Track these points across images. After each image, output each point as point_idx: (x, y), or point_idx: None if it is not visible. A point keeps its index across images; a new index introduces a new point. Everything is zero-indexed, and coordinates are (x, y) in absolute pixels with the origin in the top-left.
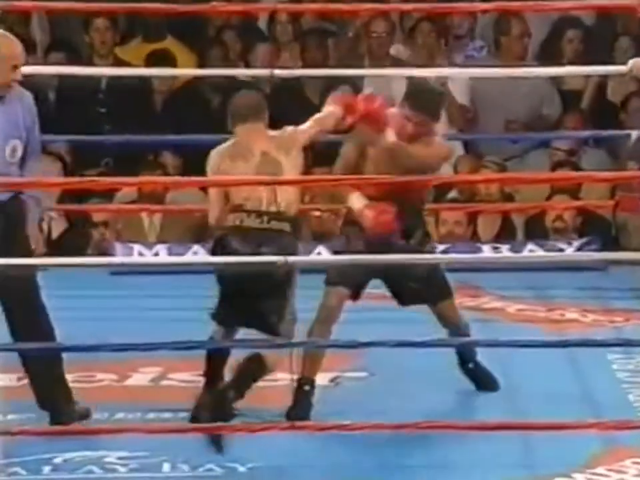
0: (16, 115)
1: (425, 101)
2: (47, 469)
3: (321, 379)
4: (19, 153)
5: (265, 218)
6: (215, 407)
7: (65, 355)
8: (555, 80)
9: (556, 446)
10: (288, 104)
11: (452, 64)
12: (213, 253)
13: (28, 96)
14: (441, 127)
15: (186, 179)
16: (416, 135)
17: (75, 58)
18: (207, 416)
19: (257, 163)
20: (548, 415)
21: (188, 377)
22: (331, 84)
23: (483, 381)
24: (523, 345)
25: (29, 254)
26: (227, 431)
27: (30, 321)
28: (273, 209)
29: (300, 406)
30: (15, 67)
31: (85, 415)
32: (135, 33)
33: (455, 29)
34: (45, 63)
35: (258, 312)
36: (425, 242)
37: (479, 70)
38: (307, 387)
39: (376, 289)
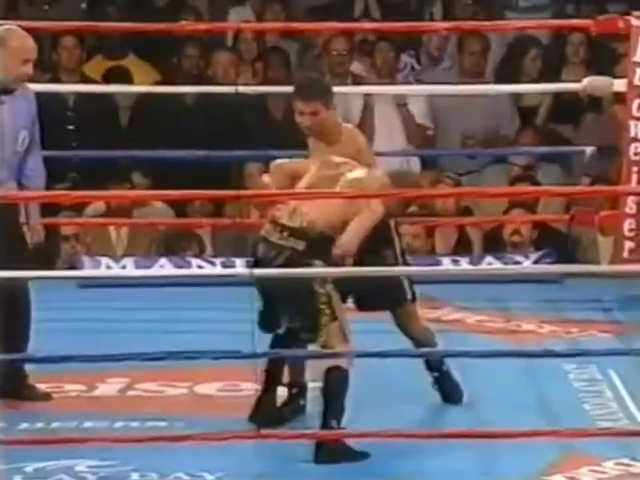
0: (25, 107)
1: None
2: (17, 478)
3: (284, 389)
4: (26, 143)
5: (285, 233)
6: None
7: (34, 366)
8: (513, 97)
9: (515, 454)
10: (251, 120)
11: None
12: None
13: (31, 90)
14: (400, 144)
15: (154, 192)
16: (317, 126)
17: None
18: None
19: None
20: (507, 423)
21: (155, 387)
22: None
23: (448, 392)
24: (481, 355)
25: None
26: (194, 440)
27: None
28: (295, 224)
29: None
30: (26, 61)
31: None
32: (99, 50)
33: (431, 50)
34: None
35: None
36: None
37: (437, 87)
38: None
39: None
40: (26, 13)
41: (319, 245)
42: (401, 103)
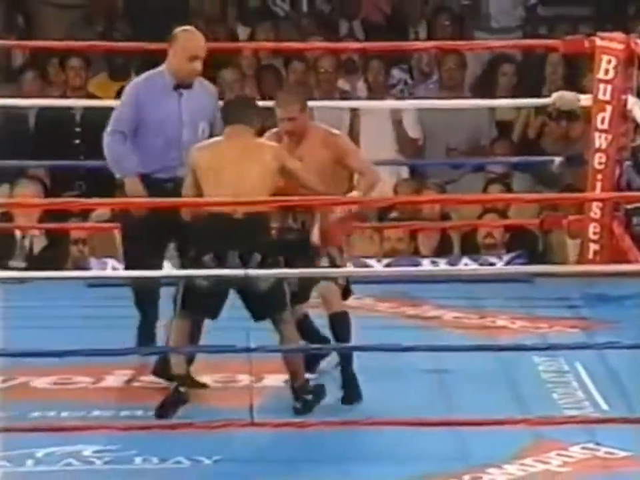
0: (203, 101)
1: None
2: (29, 462)
3: (276, 380)
4: (206, 133)
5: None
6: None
7: (44, 359)
8: (491, 111)
9: (488, 440)
10: None
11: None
12: None
13: (212, 87)
14: (390, 156)
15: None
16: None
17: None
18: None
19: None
20: (481, 412)
21: (157, 379)
22: None
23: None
24: (458, 349)
25: None
26: (194, 427)
27: None
28: None
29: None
30: (193, 58)
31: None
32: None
33: (422, 66)
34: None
35: None
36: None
37: (424, 101)
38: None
39: None
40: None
41: None
42: (397, 119)
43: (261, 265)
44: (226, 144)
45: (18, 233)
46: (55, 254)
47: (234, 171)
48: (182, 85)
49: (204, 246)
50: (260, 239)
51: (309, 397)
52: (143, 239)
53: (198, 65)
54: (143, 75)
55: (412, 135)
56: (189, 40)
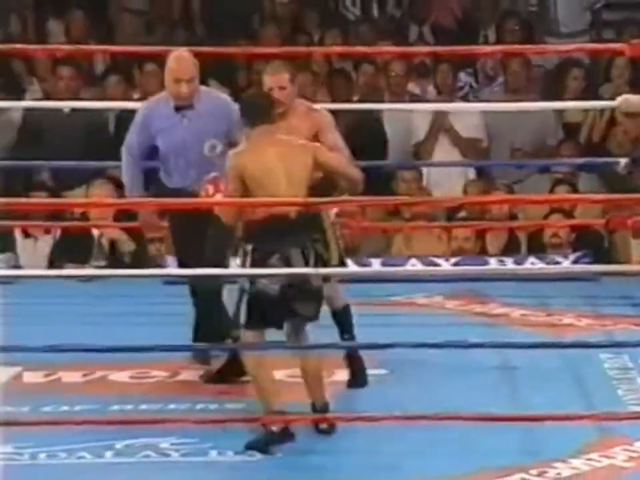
0: (208, 117)
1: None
2: (109, 453)
3: (345, 375)
4: (218, 149)
5: None
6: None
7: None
8: (557, 113)
9: (554, 435)
10: None
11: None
12: None
13: (222, 100)
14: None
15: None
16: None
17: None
18: None
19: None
20: (547, 407)
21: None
22: (356, 117)
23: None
24: (525, 346)
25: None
26: (261, 421)
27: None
28: None
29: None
30: (179, 80)
31: None
32: None
33: (487, 70)
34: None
35: None
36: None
37: (489, 105)
38: None
39: (396, 296)
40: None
41: None
42: (446, 127)
43: (316, 262)
44: (265, 146)
45: (95, 233)
46: (134, 252)
47: (281, 172)
48: (180, 107)
49: (268, 248)
50: (314, 235)
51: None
52: (187, 240)
53: (184, 87)
54: (152, 99)
55: (475, 136)
56: (173, 63)
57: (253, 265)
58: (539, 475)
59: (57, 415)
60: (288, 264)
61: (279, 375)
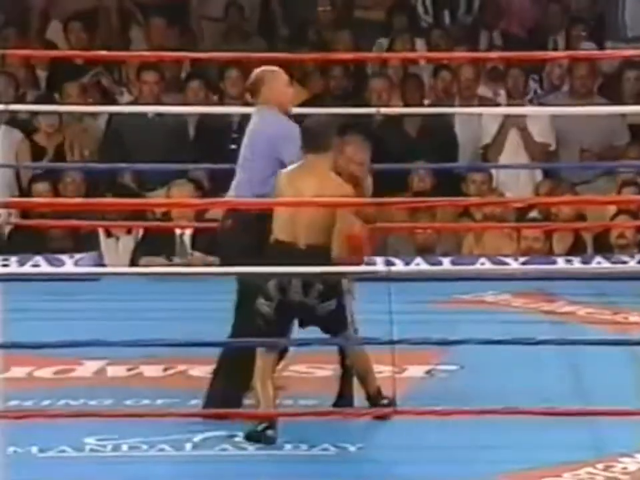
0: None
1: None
2: (188, 446)
3: (417, 371)
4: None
5: None
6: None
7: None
8: (622, 115)
9: (621, 430)
10: (390, 137)
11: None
12: None
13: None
14: (524, 161)
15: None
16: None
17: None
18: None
19: None
20: (612, 403)
21: (303, 369)
22: (427, 120)
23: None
24: (591, 343)
25: None
26: (340, 415)
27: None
28: None
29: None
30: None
31: None
32: None
33: (553, 79)
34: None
35: None
36: None
37: (558, 109)
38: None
39: (465, 294)
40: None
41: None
42: (521, 126)
43: (321, 295)
44: (302, 174)
45: (178, 232)
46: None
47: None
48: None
49: (269, 273)
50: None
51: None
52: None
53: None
54: (275, 112)
55: (544, 140)
56: (282, 72)
57: (252, 287)
58: (605, 469)
59: (138, 408)
60: (283, 293)
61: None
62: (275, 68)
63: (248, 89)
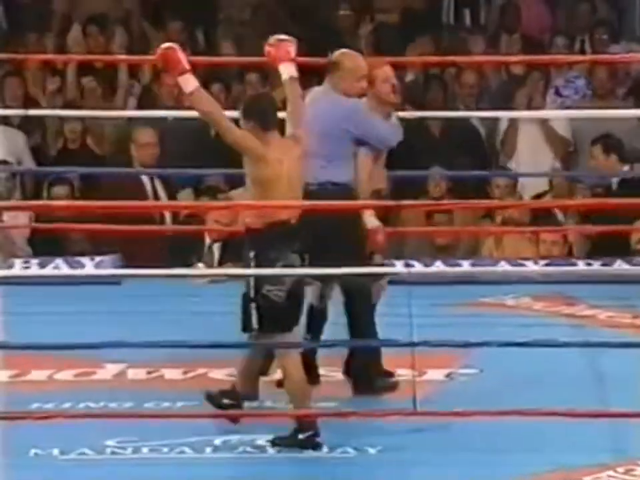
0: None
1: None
2: (208, 449)
3: (437, 374)
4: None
5: None
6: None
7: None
8: None
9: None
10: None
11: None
12: None
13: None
14: (546, 162)
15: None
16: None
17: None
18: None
19: None
20: (633, 406)
21: (324, 372)
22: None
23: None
24: (611, 346)
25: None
26: (360, 415)
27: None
28: None
29: None
30: (360, 79)
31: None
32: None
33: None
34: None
35: None
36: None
37: (578, 111)
38: None
39: (485, 297)
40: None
41: None
42: (542, 120)
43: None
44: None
45: (208, 240)
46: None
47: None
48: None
49: (272, 255)
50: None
51: None
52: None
53: (364, 83)
54: (351, 98)
55: (563, 134)
56: (351, 62)
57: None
58: (625, 473)
59: (158, 411)
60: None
61: None
62: (355, 57)
63: (326, 64)
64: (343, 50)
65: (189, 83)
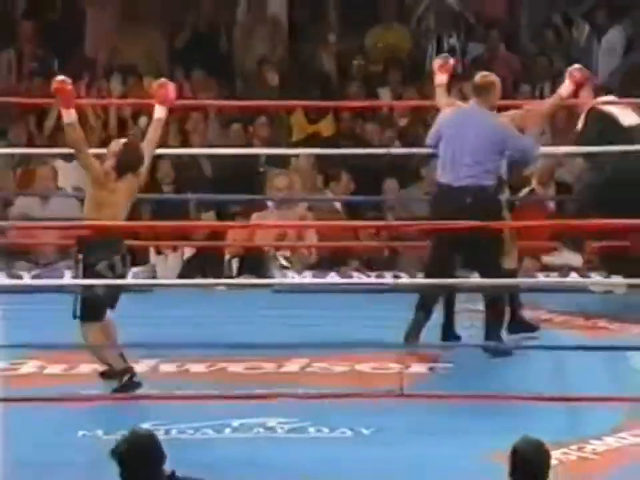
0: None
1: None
2: (227, 430)
3: (421, 367)
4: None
5: None
6: None
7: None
8: None
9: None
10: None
11: None
12: None
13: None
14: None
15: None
16: None
17: None
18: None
19: None
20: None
21: (327, 366)
22: None
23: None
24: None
25: None
26: (354, 396)
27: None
28: None
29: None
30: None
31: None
32: None
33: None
34: None
35: None
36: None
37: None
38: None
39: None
40: None
41: None
42: None
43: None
44: None
45: (227, 256)
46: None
47: None
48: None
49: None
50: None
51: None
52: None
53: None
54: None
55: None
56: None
57: (85, 271)
58: (578, 450)
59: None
60: (113, 269)
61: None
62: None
63: (476, 85)
64: (485, 72)
65: (71, 115)
